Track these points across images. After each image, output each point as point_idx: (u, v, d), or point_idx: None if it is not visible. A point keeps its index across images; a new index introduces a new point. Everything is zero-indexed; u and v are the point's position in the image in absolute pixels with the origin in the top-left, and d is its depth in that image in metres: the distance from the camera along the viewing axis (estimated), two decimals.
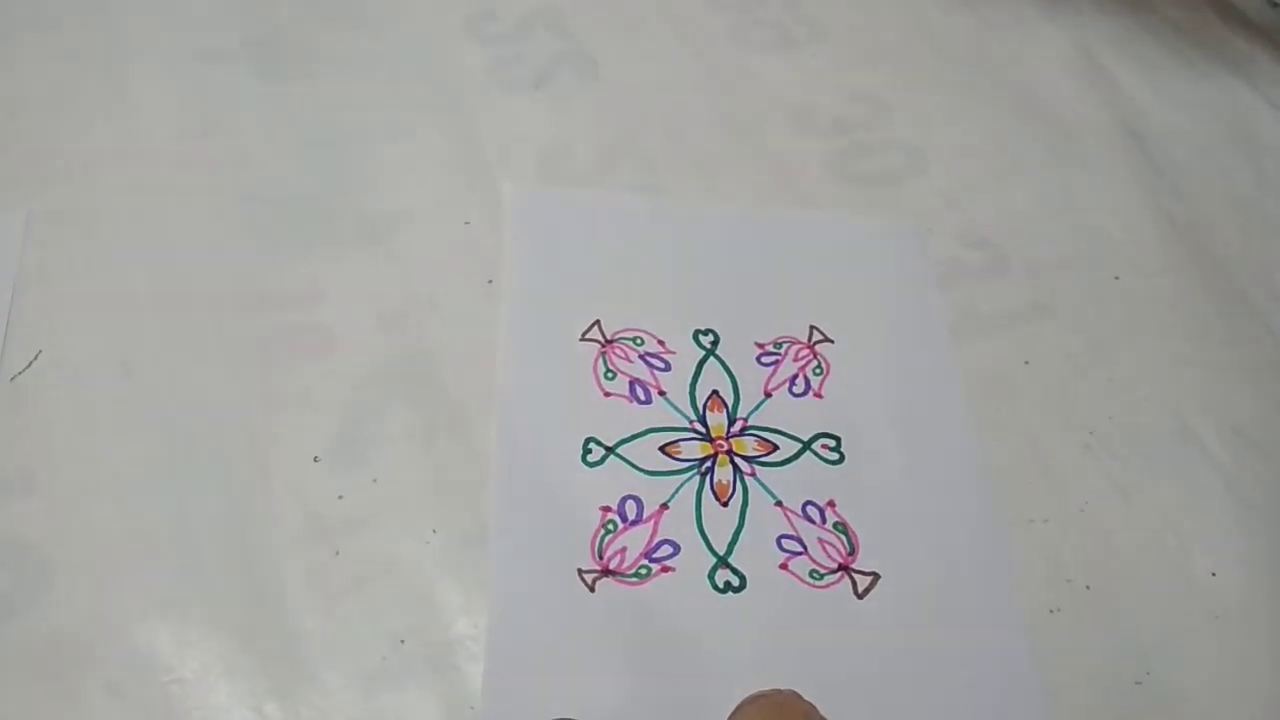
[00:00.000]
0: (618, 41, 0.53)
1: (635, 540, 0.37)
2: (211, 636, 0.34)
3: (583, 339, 0.42)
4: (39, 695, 0.33)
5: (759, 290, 0.44)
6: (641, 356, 0.42)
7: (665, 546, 0.37)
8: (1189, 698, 0.36)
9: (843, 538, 0.38)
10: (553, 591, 0.36)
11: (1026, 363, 0.44)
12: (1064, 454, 0.41)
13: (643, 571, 0.37)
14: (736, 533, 0.38)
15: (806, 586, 0.37)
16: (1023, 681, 0.36)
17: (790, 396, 0.41)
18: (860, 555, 0.38)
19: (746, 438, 0.40)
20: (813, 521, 0.39)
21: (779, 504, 0.39)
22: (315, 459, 0.38)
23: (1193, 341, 0.45)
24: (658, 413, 0.41)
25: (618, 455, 0.39)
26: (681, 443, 0.40)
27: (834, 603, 0.37)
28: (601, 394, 0.41)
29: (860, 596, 0.37)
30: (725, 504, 0.39)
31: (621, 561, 0.37)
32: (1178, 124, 0.53)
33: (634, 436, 0.40)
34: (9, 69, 0.48)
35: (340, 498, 0.37)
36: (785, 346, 0.43)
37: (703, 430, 0.40)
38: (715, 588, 0.37)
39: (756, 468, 0.40)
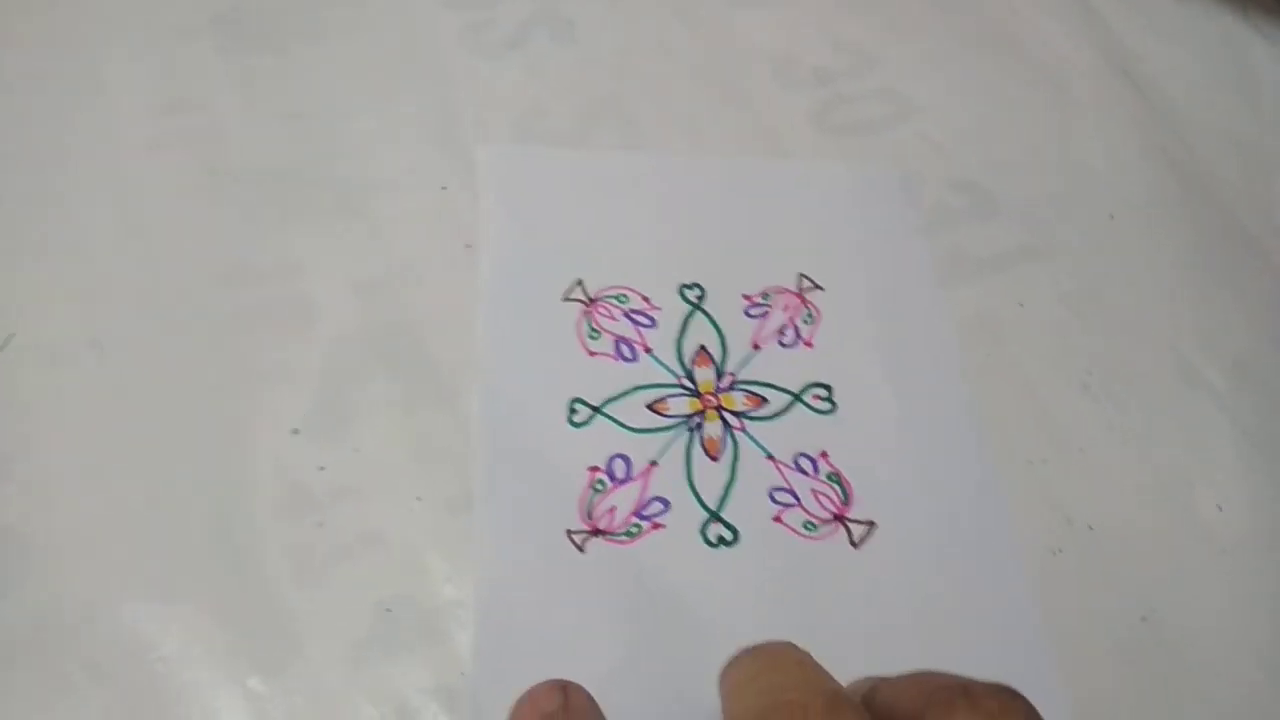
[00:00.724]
0: (593, 1, 0.52)
1: (624, 499, 0.37)
2: (194, 614, 0.34)
3: (565, 299, 0.41)
4: (21, 679, 0.32)
5: (743, 241, 0.43)
6: (626, 314, 0.41)
7: (655, 504, 0.37)
8: (1195, 634, 0.36)
9: (836, 488, 0.38)
10: (541, 554, 0.35)
11: (1020, 305, 0.43)
12: (1062, 395, 0.41)
13: (633, 530, 0.36)
14: (728, 487, 0.37)
15: (801, 538, 0.36)
16: (1026, 623, 0.35)
17: (779, 348, 0.41)
18: (855, 505, 0.37)
19: (735, 392, 0.39)
20: (805, 473, 0.38)
21: (770, 457, 0.38)
22: (295, 431, 0.37)
23: (1190, 277, 0.44)
24: (644, 370, 0.40)
25: (604, 414, 0.38)
26: (669, 399, 0.39)
27: (830, 553, 0.36)
28: (586, 354, 0.40)
29: (856, 546, 0.36)
30: (715, 459, 0.38)
31: (611, 521, 0.36)
32: (1170, 61, 0.52)
33: (620, 395, 0.39)
34: None
35: (322, 469, 0.37)
36: (773, 297, 0.42)
37: (691, 386, 0.40)
38: (708, 543, 0.36)
39: (746, 422, 0.39)
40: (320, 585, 0.34)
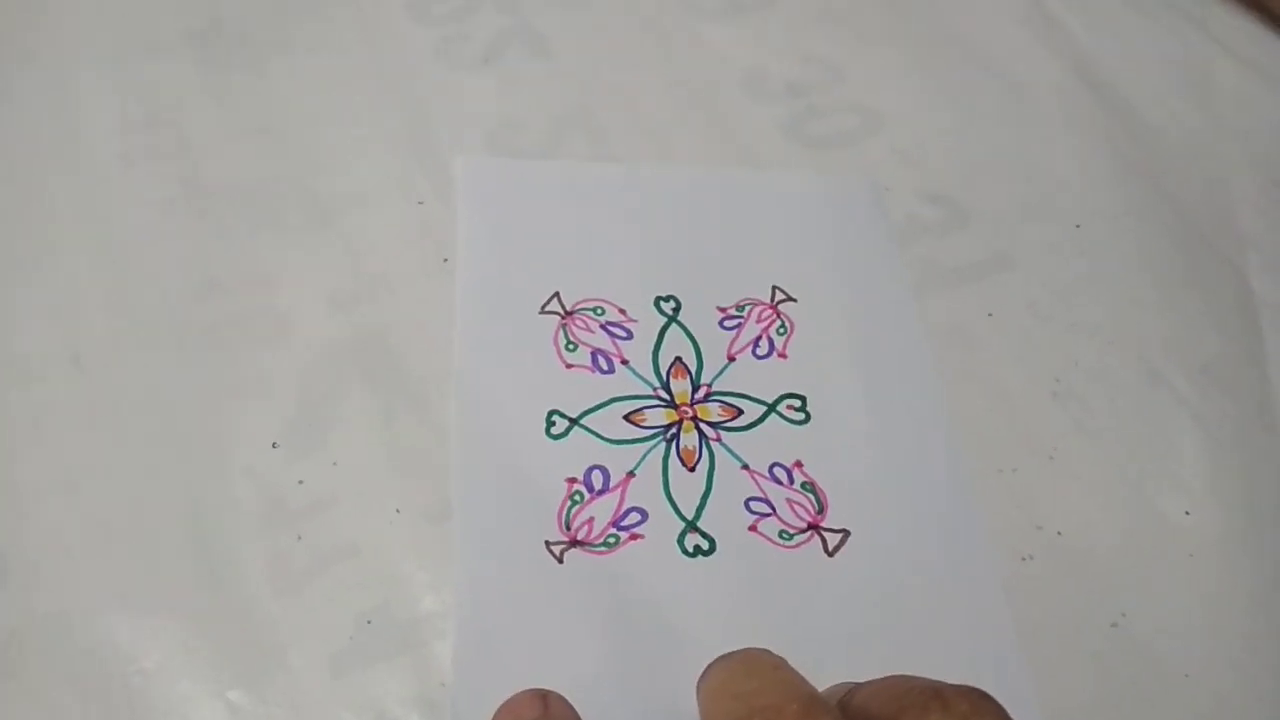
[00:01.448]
0: (566, 15, 0.52)
1: (602, 510, 0.37)
2: (173, 627, 0.34)
3: (542, 311, 0.41)
4: None
5: (718, 254, 0.44)
6: (603, 326, 0.41)
7: (633, 514, 0.37)
8: (1166, 637, 0.36)
9: (811, 497, 0.38)
10: (520, 564, 0.36)
11: (990, 314, 0.43)
12: (1031, 403, 0.41)
13: (611, 540, 0.36)
14: (704, 497, 0.38)
15: (776, 547, 0.37)
16: (998, 629, 0.36)
17: (754, 359, 0.41)
18: (829, 513, 0.38)
19: (711, 403, 0.40)
20: (780, 483, 0.38)
21: (745, 467, 0.38)
22: (274, 445, 0.38)
23: (1155, 285, 0.45)
24: (621, 382, 0.40)
25: (582, 426, 0.39)
26: (646, 410, 0.39)
27: (804, 561, 0.37)
28: (563, 366, 0.40)
29: (831, 554, 0.37)
30: (692, 469, 0.38)
31: (589, 531, 0.36)
32: (1131, 71, 0.53)
33: (597, 407, 0.39)
34: None
35: (300, 482, 0.37)
36: (748, 309, 0.42)
37: (667, 397, 0.40)
38: (685, 552, 0.36)
39: (722, 433, 0.39)
40: (300, 597, 0.35)
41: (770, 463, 0.39)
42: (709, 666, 0.28)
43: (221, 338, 0.40)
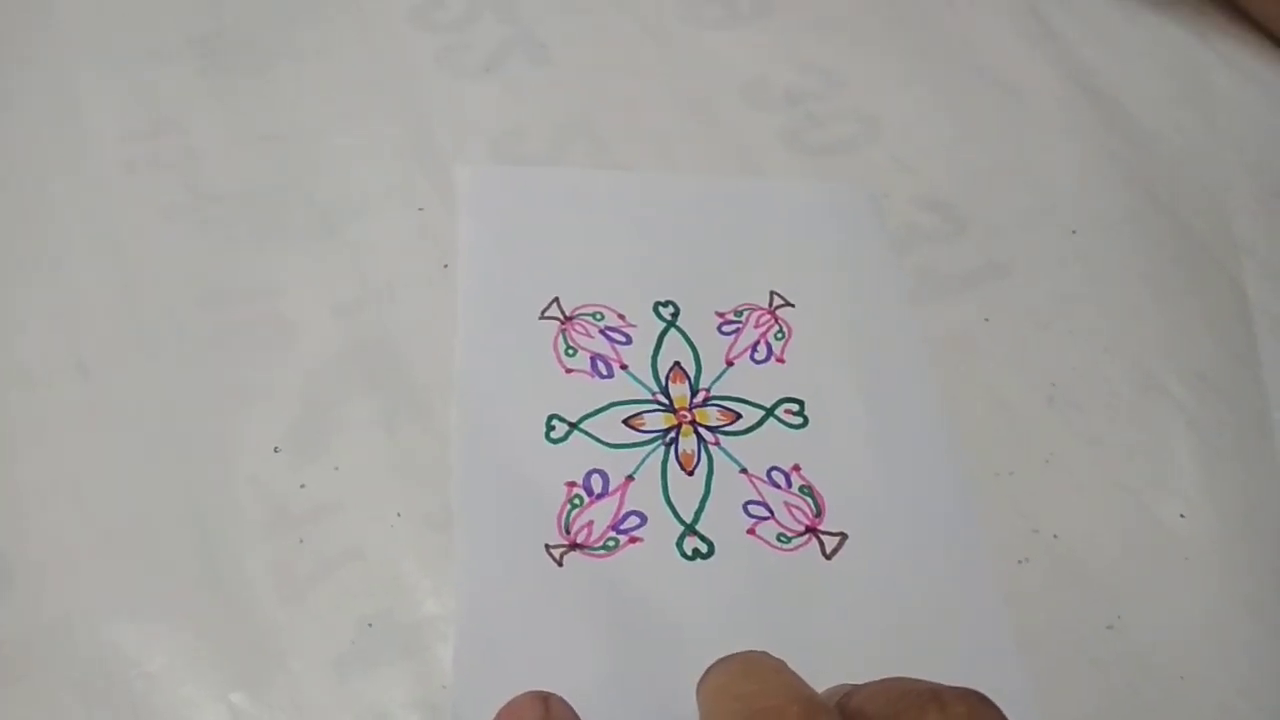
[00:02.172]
0: (566, 24, 0.52)
1: (602, 513, 0.37)
2: (177, 630, 0.34)
3: (542, 317, 0.42)
4: (3, 697, 0.33)
5: (718, 260, 0.44)
6: (602, 331, 0.42)
7: (632, 518, 0.37)
8: (1161, 640, 0.36)
9: (809, 500, 0.38)
10: (521, 568, 0.36)
11: (987, 320, 0.44)
12: (1027, 407, 0.41)
13: (610, 544, 0.37)
14: (703, 501, 0.38)
15: (774, 550, 0.37)
16: (995, 632, 0.36)
17: (752, 364, 0.41)
18: (827, 517, 0.38)
19: (709, 408, 0.40)
20: (778, 486, 0.38)
21: (744, 471, 0.39)
22: (276, 449, 0.38)
23: (1152, 291, 0.45)
24: (620, 386, 0.40)
25: (581, 430, 0.39)
26: (645, 415, 0.40)
27: (803, 565, 0.37)
28: (563, 370, 0.40)
29: (828, 557, 0.37)
30: (691, 473, 0.38)
31: (589, 535, 0.37)
32: (1129, 79, 0.53)
33: (597, 411, 0.40)
34: None
35: (302, 487, 0.37)
36: (746, 314, 0.43)
37: (666, 402, 0.40)
38: (684, 555, 0.37)
39: (720, 437, 0.39)
40: (302, 601, 0.35)
41: (768, 466, 0.39)
42: (709, 669, 0.28)
43: (224, 343, 0.40)
